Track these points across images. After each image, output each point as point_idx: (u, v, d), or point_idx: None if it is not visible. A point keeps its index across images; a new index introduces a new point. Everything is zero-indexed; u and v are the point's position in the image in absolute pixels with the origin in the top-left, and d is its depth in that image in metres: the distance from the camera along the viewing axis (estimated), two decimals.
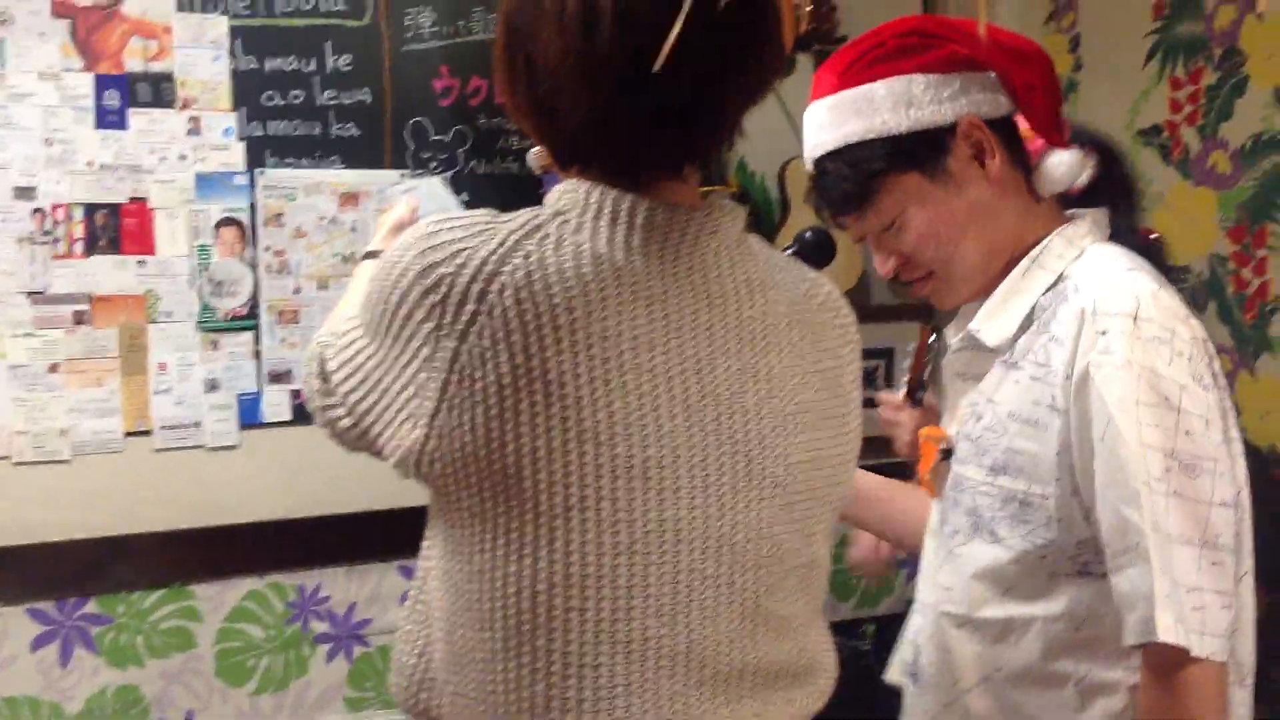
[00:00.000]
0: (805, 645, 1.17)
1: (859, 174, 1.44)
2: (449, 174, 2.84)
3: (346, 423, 1.14)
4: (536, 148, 1.17)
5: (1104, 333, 1.32)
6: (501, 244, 1.04)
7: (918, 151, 1.42)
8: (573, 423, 1.01)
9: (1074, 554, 1.38)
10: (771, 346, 1.12)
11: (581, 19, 1.04)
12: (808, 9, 2.81)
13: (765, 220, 3.16)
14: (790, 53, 3.03)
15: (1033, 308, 1.43)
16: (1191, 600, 1.26)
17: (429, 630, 1.12)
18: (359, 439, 1.14)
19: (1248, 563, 1.37)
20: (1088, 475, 1.33)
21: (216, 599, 2.71)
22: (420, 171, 2.80)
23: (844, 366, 1.20)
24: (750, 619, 1.10)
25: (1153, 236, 2.87)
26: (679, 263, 1.08)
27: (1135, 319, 1.32)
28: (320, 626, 2.81)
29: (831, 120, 1.45)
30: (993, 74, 1.42)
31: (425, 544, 1.16)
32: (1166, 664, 1.28)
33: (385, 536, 2.73)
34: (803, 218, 3.02)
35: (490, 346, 1.01)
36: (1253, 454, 2.61)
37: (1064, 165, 1.45)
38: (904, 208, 1.45)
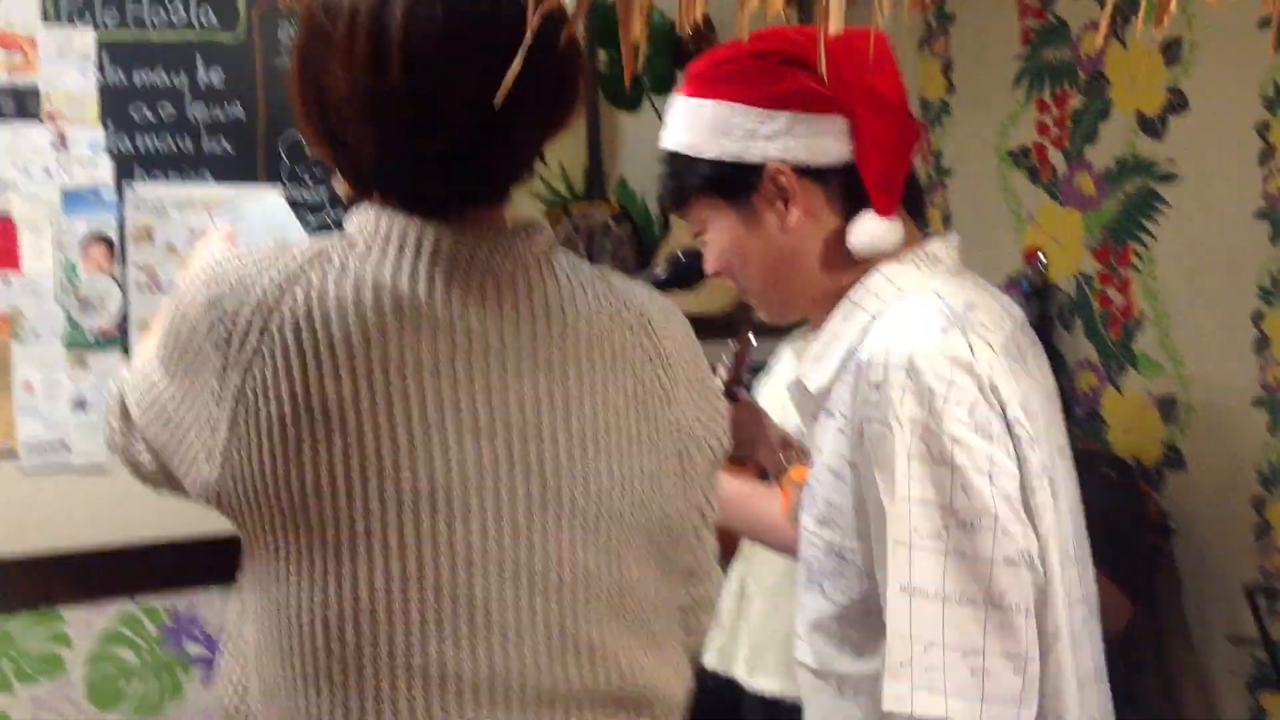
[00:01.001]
0: (631, 673, 1.14)
1: (676, 183, 1.48)
2: (300, 190, 2.82)
3: (147, 459, 1.14)
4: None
5: (877, 385, 1.28)
6: (284, 274, 1.04)
7: (724, 180, 1.42)
8: (354, 452, 1.01)
9: None
10: (570, 370, 1.11)
11: (369, 58, 1.05)
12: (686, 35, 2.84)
13: (646, 238, 3.17)
14: (671, 71, 3.07)
15: (850, 352, 1.37)
16: (970, 664, 1.22)
17: (247, 668, 1.11)
18: (162, 477, 1.14)
19: (1060, 620, 1.30)
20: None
21: (87, 622, 2.65)
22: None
23: (649, 388, 1.16)
24: (558, 645, 1.09)
25: (1040, 255, 2.95)
26: (469, 289, 1.08)
27: (909, 370, 1.26)
28: (195, 649, 2.76)
29: (674, 120, 1.47)
30: (843, 119, 1.37)
31: (238, 580, 1.15)
32: None
33: None
34: (682, 235, 3.03)
35: (272, 380, 1.00)
36: (1119, 466, 2.69)
37: (869, 236, 1.39)
38: (707, 226, 1.49)
